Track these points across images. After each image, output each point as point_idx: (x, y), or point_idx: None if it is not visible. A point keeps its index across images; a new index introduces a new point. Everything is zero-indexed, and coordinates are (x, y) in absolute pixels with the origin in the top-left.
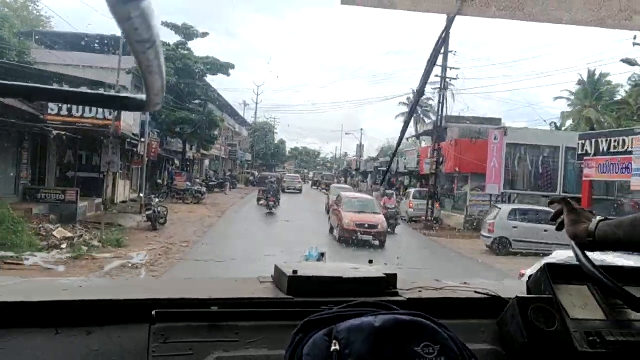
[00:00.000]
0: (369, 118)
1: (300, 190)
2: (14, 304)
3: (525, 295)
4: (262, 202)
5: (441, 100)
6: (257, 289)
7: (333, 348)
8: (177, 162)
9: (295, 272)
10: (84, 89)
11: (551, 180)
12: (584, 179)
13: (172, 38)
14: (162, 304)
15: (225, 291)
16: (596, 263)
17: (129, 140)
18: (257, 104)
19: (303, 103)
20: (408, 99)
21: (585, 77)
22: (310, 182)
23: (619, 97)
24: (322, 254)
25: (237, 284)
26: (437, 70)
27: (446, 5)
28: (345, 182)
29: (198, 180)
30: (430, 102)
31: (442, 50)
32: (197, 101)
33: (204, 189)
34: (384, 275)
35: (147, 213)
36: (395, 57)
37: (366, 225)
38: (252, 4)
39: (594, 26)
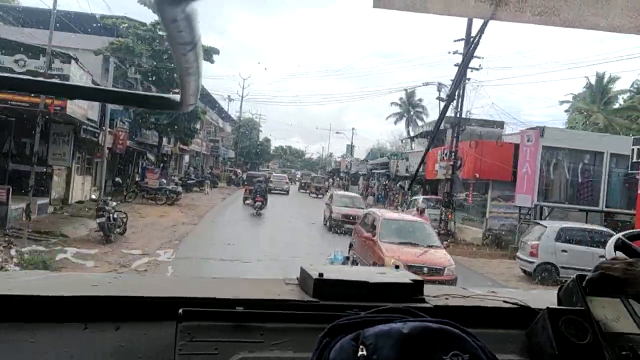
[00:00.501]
0: (355, 119)
1: (287, 192)
2: (45, 297)
3: (557, 307)
4: (248, 201)
5: (461, 94)
6: (283, 291)
7: (360, 353)
8: (150, 156)
9: (321, 274)
10: (116, 88)
11: (592, 191)
12: (639, 191)
13: (148, 17)
14: (189, 303)
15: (251, 292)
16: None
17: (84, 127)
18: (242, 97)
19: (290, 100)
20: (400, 99)
21: (593, 81)
22: (298, 184)
23: (617, 104)
24: (347, 258)
25: (262, 285)
26: (456, 58)
27: (479, 10)
28: (334, 183)
29: (175, 178)
30: (424, 103)
31: (464, 36)
32: (176, 89)
33: (179, 188)
34: (410, 281)
35: (99, 220)
36: (381, 59)
37: (425, 270)
38: (243, 3)
39: (633, 33)
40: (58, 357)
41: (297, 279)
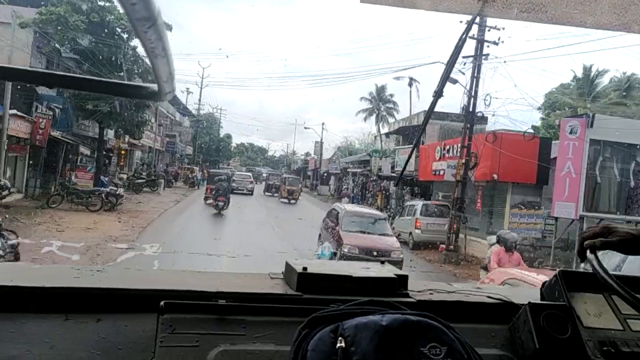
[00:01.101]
0: (318, 117)
1: (251, 192)
2: (26, 288)
3: (538, 302)
4: (209, 201)
5: (475, 75)
6: (267, 285)
7: (338, 345)
8: (85, 150)
9: (305, 268)
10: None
11: None
12: None
13: None
14: (171, 295)
15: (234, 285)
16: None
17: None
18: (201, 88)
19: (251, 98)
20: (370, 93)
21: (580, 74)
22: (264, 185)
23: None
24: (334, 253)
25: (246, 279)
26: (473, 30)
27: (467, 6)
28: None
29: (124, 176)
30: (395, 98)
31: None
32: (121, 73)
33: (120, 190)
34: (394, 276)
35: None
36: (341, 57)
37: None
38: None
39: (619, 30)
40: (38, 348)
41: (282, 273)
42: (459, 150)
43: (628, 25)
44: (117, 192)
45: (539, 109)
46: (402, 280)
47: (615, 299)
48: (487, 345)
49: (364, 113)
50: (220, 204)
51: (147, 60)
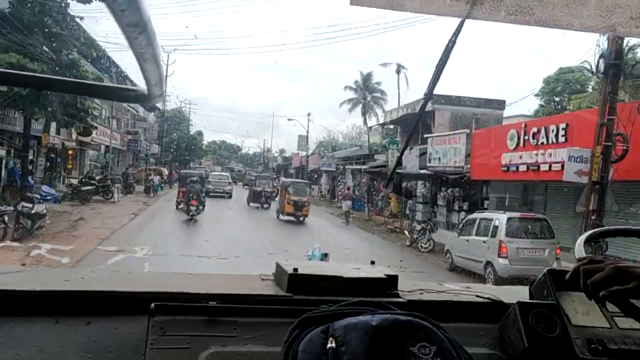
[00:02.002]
0: (291, 114)
1: (229, 195)
2: (15, 292)
3: (527, 301)
4: (182, 206)
5: None
6: (258, 286)
7: (329, 345)
8: None
9: (295, 269)
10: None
11: None
12: None
13: None
14: (162, 297)
15: (225, 287)
16: None
17: None
18: (166, 76)
19: (223, 95)
20: (355, 82)
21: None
22: (248, 192)
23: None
24: (325, 255)
25: (237, 280)
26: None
27: (455, 9)
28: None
29: (75, 182)
30: (382, 87)
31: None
32: (54, 44)
33: (40, 207)
34: (384, 276)
35: None
36: (310, 53)
37: None
38: None
39: (605, 33)
40: (28, 352)
41: (273, 274)
42: (562, 133)
43: (614, 28)
44: (34, 211)
45: (537, 95)
46: (392, 280)
47: None
48: (476, 344)
49: (348, 104)
50: (192, 208)
51: (86, 28)
